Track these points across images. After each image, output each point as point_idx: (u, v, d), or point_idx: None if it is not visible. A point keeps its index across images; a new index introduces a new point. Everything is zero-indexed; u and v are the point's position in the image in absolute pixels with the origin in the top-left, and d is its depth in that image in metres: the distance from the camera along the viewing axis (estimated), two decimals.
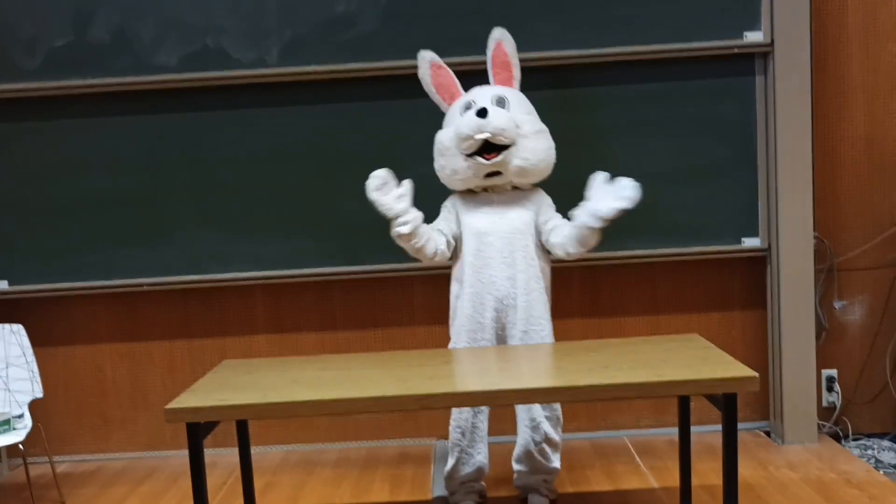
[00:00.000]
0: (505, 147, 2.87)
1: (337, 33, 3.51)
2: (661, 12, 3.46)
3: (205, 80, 3.52)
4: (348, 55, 3.50)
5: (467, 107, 2.94)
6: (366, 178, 3.54)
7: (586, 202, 2.77)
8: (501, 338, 2.97)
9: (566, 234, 2.87)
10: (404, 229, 2.82)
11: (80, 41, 3.52)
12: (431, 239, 2.92)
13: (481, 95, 2.96)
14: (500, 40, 3.04)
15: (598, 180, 2.76)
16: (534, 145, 2.91)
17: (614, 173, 3.52)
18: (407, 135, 3.42)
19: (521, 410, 3.02)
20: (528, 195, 3.01)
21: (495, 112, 2.86)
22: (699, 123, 3.54)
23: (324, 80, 3.52)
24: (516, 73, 3.06)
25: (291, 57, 3.51)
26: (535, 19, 3.46)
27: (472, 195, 3.03)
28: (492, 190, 3.00)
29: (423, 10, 3.47)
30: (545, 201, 3.02)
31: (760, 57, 3.50)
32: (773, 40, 3.45)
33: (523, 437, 3.03)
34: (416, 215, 2.85)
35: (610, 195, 2.71)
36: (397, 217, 2.81)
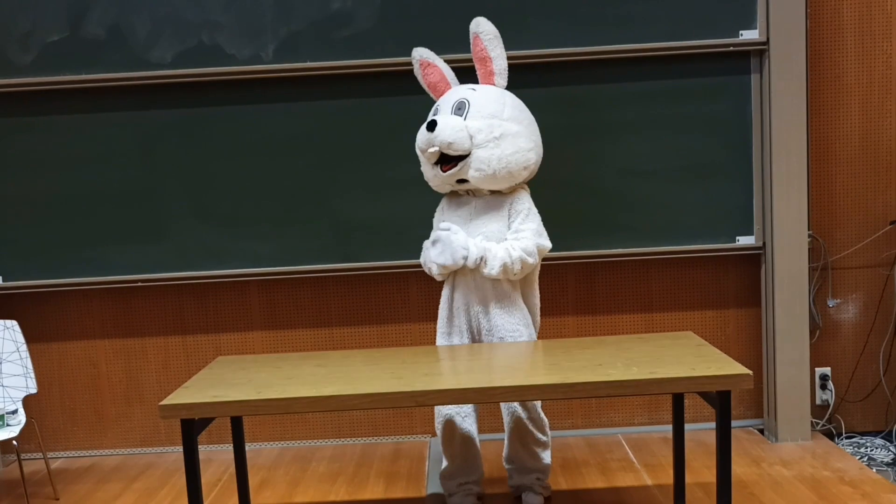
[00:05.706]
0: (462, 157, 2.81)
1: (333, 30, 3.50)
2: (656, 10, 3.46)
3: (200, 76, 3.51)
4: (344, 52, 3.50)
5: (434, 112, 2.90)
6: (362, 174, 3.57)
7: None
8: (476, 343, 2.93)
9: None
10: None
11: (75, 36, 3.51)
12: None
13: (446, 101, 2.91)
14: (476, 33, 2.91)
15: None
16: (488, 154, 2.78)
17: (609, 170, 3.56)
18: (403, 131, 3.41)
19: (505, 411, 3.00)
20: (505, 199, 2.89)
21: (445, 124, 2.77)
22: (694, 121, 3.54)
23: (320, 77, 3.52)
24: (497, 65, 2.93)
25: (287, 53, 3.51)
26: (531, 16, 3.45)
27: (457, 196, 2.97)
28: (471, 192, 2.93)
29: (420, 6, 3.46)
30: (518, 207, 2.88)
31: (756, 55, 3.51)
32: (768, 38, 3.45)
33: (509, 438, 3.03)
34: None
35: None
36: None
